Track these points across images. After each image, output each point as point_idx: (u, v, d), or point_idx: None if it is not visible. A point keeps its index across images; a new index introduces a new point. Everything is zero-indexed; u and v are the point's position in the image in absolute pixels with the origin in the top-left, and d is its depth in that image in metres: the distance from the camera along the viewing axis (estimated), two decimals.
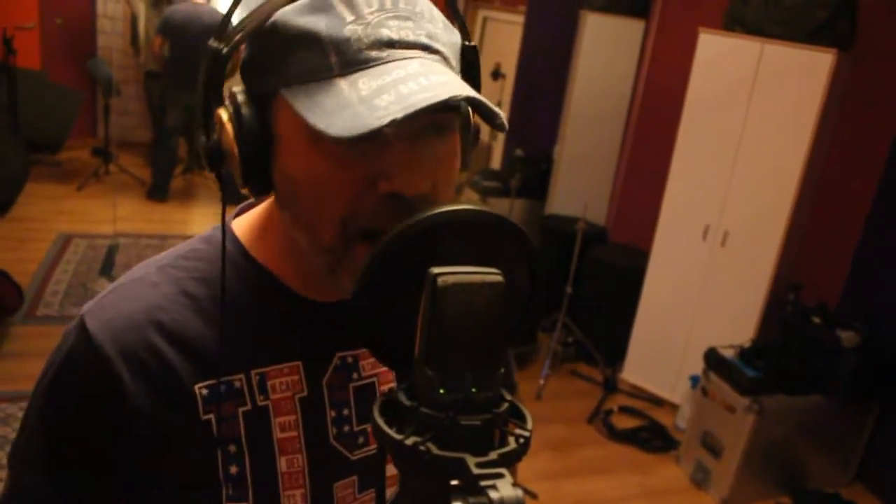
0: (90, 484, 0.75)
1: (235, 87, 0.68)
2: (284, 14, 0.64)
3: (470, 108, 0.73)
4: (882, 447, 3.42)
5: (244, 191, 0.71)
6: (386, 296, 0.58)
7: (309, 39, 0.62)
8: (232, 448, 0.73)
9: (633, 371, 4.10)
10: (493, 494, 0.45)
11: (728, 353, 3.29)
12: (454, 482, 0.48)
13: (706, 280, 3.71)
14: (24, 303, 3.91)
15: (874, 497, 3.42)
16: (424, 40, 0.63)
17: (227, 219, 0.80)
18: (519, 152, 4.78)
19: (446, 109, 0.63)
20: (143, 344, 0.71)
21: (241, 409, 0.74)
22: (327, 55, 0.61)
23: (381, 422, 0.53)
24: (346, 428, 0.79)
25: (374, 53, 0.61)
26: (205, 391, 0.72)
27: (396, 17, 0.62)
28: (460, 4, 7.18)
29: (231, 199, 0.73)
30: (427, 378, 0.50)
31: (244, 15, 0.67)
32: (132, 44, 6.98)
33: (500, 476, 0.47)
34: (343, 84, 0.60)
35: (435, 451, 0.49)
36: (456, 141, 0.69)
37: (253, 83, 0.68)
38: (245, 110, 0.66)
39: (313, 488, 0.78)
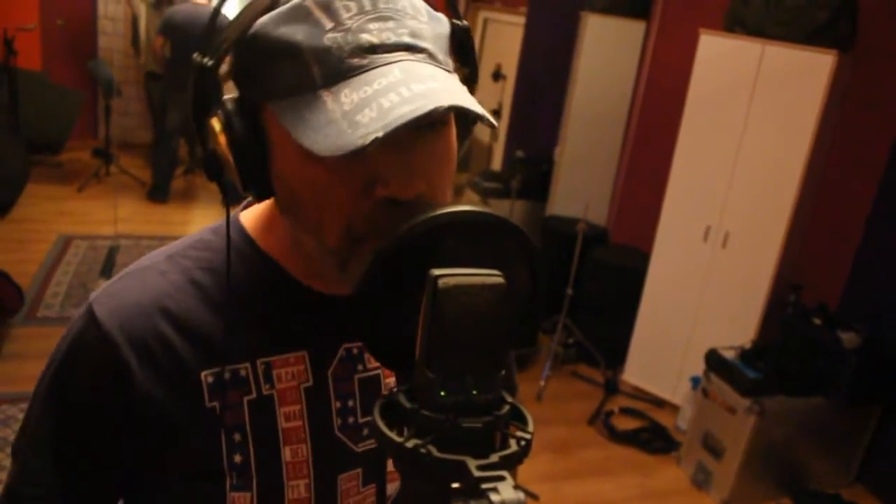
0: (96, 470, 0.75)
1: (228, 95, 0.68)
2: (264, 25, 0.63)
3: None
4: (883, 448, 3.41)
5: (247, 196, 0.71)
6: (387, 297, 0.58)
7: (289, 51, 0.61)
8: (236, 436, 0.73)
9: (634, 372, 4.10)
10: (495, 497, 0.45)
11: (729, 355, 3.29)
12: (455, 485, 0.48)
13: (707, 281, 3.70)
14: (25, 304, 3.90)
15: (875, 498, 3.41)
16: (407, 40, 0.62)
17: (235, 211, 0.80)
18: (519, 153, 4.78)
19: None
20: (150, 331, 0.72)
21: (246, 398, 0.74)
22: (309, 67, 0.60)
23: (381, 424, 0.53)
24: (351, 419, 0.80)
25: (355, 61, 0.60)
26: (210, 379, 0.73)
27: (377, 19, 0.61)
28: (460, 5, 7.18)
29: (233, 203, 0.73)
30: (428, 380, 0.50)
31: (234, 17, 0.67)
32: (133, 45, 6.99)
33: (501, 478, 0.47)
34: (327, 97, 0.60)
35: (436, 453, 0.49)
36: (451, 133, 0.68)
37: (242, 92, 0.68)
38: (236, 120, 0.66)
39: (317, 479, 0.78)
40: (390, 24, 0.62)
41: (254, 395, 0.74)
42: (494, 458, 0.49)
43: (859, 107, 3.45)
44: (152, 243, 5.13)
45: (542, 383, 3.94)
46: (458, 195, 5.26)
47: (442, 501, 0.47)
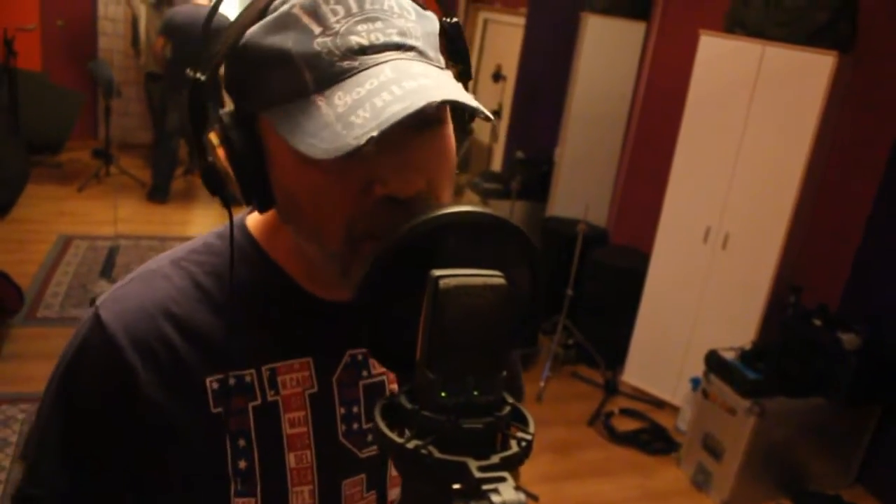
0: (103, 472, 0.75)
1: (225, 108, 0.68)
2: (253, 35, 0.63)
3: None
4: (883, 449, 3.41)
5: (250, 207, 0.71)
6: (388, 298, 0.58)
7: (280, 59, 0.61)
8: (241, 442, 0.74)
9: (634, 373, 4.10)
10: (496, 498, 0.45)
11: (729, 356, 3.28)
12: (456, 486, 0.47)
13: (707, 282, 3.70)
14: (25, 304, 3.90)
15: (875, 499, 3.41)
16: (396, 39, 0.62)
17: (241, 214, 0.81)
18: (520, 154, 4.78)
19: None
20: (155, 335, 0.72)
21: (251, 404, 0.74)
22: (301, 73, 0.61)
23: (382, 425, 0.53)
24: (356, 425, 0.80)
25: (346, 64, 0.60)
26: (215, 385, 0.73)
27: (365, 21, 0.61)
28: (460, 6, 7.19)
29: (237, 208, 0.74)
30: (428, 381, 0.50)
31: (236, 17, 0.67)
32: (133, 45, 6.99)
33: (502, 480, 0.47)
34: (320, 102, 0.60)
35: (436, 454, 0.49)
36: (448, 131, 0.68)
37: (237, 103, 0.68)
38: (233, 132, 0.66)
39: (321, 485, 0.78)
40: (378, 24, 0.62)
41: (259, 401, 0.75)
42: (495, 459, 0.49)
43: (859, 108, 3.45)
44: (152, 244, 5.13)
45: (542, 384, 3.94)
46: (458, 196, 5.26)
47: (443, 502, 0.47)
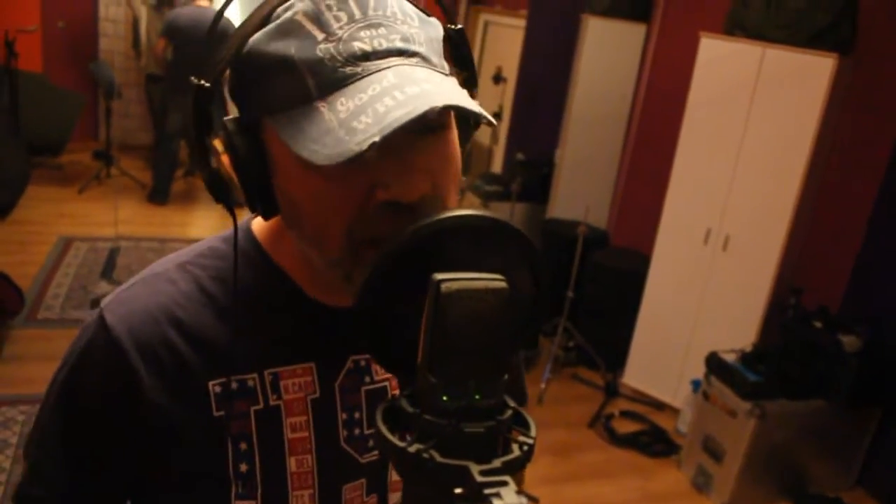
0: (104, 473, 0.76)
1: (229, 115, 0.68)
2: (257, 41, 0.63)
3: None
4: (884, 451, 3.41)
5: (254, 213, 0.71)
6: (389, 302, 0.58)
7: (283, 65, 0.61)
8: (243, 446, 0.74)
9: (635, 375, 4.09)
10: (498, 503, 0.45)
11: (729, 358, 3.28)
12: (458, 490, 0.47)
13: (707, 284, 3.70)
14: (25, 306, 3.90)
15: (876, 501, 3.41)
16: (399, 45, 0.62)
17: (246, 218, 0.81)
18: (520, 156, 4.78)
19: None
20: (159, 339, 0.72)
21: (253, 408, 0.75)
22: (304, 79, 0.61)
23: (384, 429, 0.53)
24: (357, 431, 0.80)
25: (349, 70, 0.60)
26: (218, 388, 0.73)
27: (368, 27, 0.61)
28: (460, 8, 7.19)
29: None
30: (430, 385, 0.50)
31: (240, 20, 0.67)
32: (134, 47, 6.99)
33: (504, 484, 0.47)
34: (323, 108, 0.60)
35: (438, 458, 0.49)
36: (452, 136, 0.68)
37: (241, 110, 0.68)
38: (237, 139, 0.66)
39: (322, 489, 0.78)
40: (381, 30, 0.62)
41: (261, 405, 0.75)
42: (497, 463, 0.49)
43: (860, 110, 3.45)
44: (152, 245, 5.13)
45: (543, 386, 3.94)
46: (459, 197, 5.25)
47: None
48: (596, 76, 4.55)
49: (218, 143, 0.67)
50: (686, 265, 3.76)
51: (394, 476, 0.83)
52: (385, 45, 0.62)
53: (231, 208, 0.71)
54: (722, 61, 3.52)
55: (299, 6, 0.62)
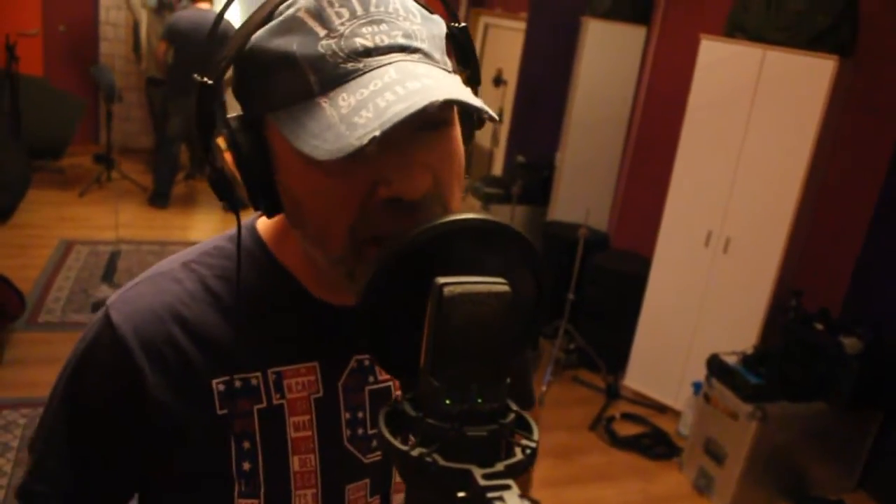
0: (108, 469, 0.77)
1: (232, 113, 0.68)
2: (259, 38, 0.64)
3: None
4: (885, 454, 3.40)
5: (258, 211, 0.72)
6: (391, 305, 0.58)
7: (285, 62, 0.62)
8: (246, 444, 0.74)
9: (636, 378, 4.09)
10: None
11: (731, 360, 3.28)
12: (461, 494, 0.47)
13: (708, 286, 3.70)
14: (26, 309, 3.90)
15: None
16: (401, 41, 0.62)
17: (251, 217, 0.81)
18: (520, 159, 4.78)
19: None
20: (163, 337, 0.73)
21: (256, 407, 0.75)
22: (306, 75, 0.61)
23: (386, 432, 0.53)
24: (360, 431, 0.80)
25: (350, 66, 0.60)
26: (221, 387, 0.74)
27: (370, 23, 0.62)
28: (461, 10, 7.19)
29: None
30: (432, 388, 0.50)
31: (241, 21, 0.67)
32: (134, 51, 7.00)
33: (507, 487, 0.46)
34: (324, 103, 0.60)
35: (441, 462, 0.49)
36: (454, 132, 0.68)
37: (244, 107, 0.68)
38: (240, 137, 0.66)
39: (325, 489, 0.78)
40: (383, 26, 0.62)
41: (264, 404, 0.75)
42: (500, 466, 0.49)
43: (860, 112, 3.45)
44: (153, 248, 5.13)
45: (544, 389, 3.94)
46: (461, 195, 5.26)
47: None
48: (596, 78, 4.56)
49: (221, 142, 0.67)
50: (687, 267, 3.76)
51: (397, 477, 0.83)
52: (387, 41, 0.62)
53: (235, 207, 0.71)
54: (722, 63, 3.52)
55: (301, 3, 0.62)
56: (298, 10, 0.62)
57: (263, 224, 0.81)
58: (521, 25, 6.01)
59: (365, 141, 0.56)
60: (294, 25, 0.62)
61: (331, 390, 0.78)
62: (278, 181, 0.68)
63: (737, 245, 3.57)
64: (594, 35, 4.49)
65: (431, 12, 0.69)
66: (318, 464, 0.78)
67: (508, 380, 0.53)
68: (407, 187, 0.62)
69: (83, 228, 5.37)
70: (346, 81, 0.60)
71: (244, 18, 0.68)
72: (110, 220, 5.62)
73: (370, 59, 0.61)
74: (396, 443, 0.51)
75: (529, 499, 0.46)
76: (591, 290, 4.25)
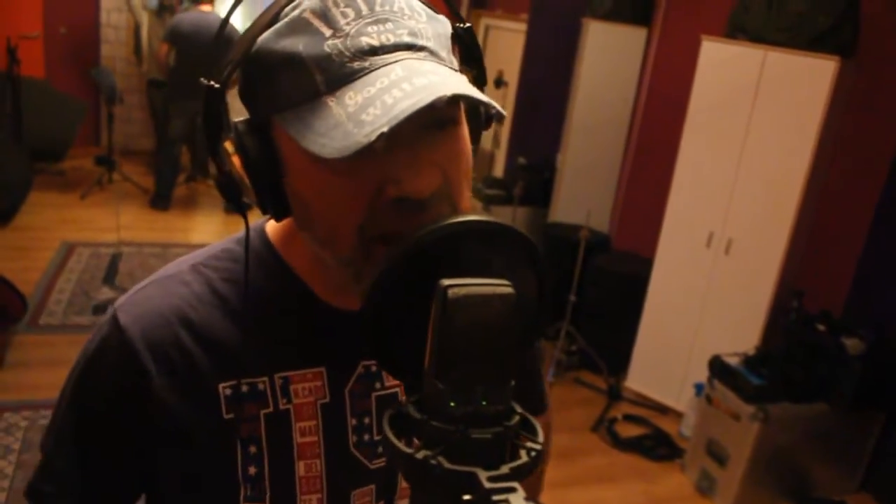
0: (116, 470, 0.77)
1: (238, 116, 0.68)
2: (265, 40, 0.63)
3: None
4: (888, 455, 3.39)
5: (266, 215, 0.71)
6: (395, 307, 0.58)
7: (291, 62, 0.61)
8: (252, 449, 0.75)
9: (637, 379, 4.09)
10: None
11: (733, 361, 3.28)
12: (466, 497, 0.47)
13: (710, 287, 3.70)
14: (28, 311, 3.90)
15: None
16: (407, 39, 0.62)
17: (260, 220, 0.81)
18: (521, 160, 4.78)
19: (447, 104, 0.62)
20: (170, 340, 0.73)
21: (263, 411, 0.75)
22: (312, 75, 0.61)
23: (391, 435, 0.52)
24: (367, 436, 0.80)
25: (357, 65, 0.60)
26: (228, 391, 0.74)
27: (375, 22, 0.61)
28: (462, 11, 7.19)
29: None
30: (437, 391, 0.50)
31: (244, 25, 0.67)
32: (135, 53, 7.01)
33: (512, 490, 0.46)
34: (331, 102, 0.60)
35: (446, 464, 0.49)
36: (462, 131, 0.68)
37: (250, 110, 0.68)
38: (247, 140, 0.66)
39: (330, 494, 0.78)
40: (389, 25, 0.62)
41: (271, 408, 0.75)
42: (505, 469, 0.49)
43: (862, 113, 3.45)
44: (155, 251, 5.13)
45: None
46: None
47: None
48: (597, 80, 4.55)
49: (228, 145, 0.67)
50: (688, 269, 3.76)
51: (404, 483, 0.83)
52: (393, 39, 0.62)
53: (243, 210, 0.71)
54: (723, 64, 3.52)
55: (307, 4, 0.62)
56: (304, 11, 0.62)
57: (272, 227, 0.80)
58: (522, 27, 6.01)
59: (373, 137, 0.55)
60: (300, 26, 0.62)
61: (337, 396, 0.78)
62: (286, 183, 0.67)
63: (738, 246, 3.57)
64: (595, 36, 4.49)
65: (437, 12, 0.69)
66: (323, 469, 0.78)
67: (513, 382, 0.53)
68: (415, 186, 0.62)
69: (84, 230, 5.37)
70: (353, 80, 0.60)
71: (245, 20, 0.68)
72: (111, 222, 5.62)
73: (376, 58, 0.61)
74: (401, 445, 0.51)
75: (535, 501, 0.46)
76: (592, 291, 4.25)
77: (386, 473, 0.81)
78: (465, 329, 0.49)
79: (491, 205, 5.04)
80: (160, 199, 6.01)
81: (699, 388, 3.51)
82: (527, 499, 0.46)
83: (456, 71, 0.67)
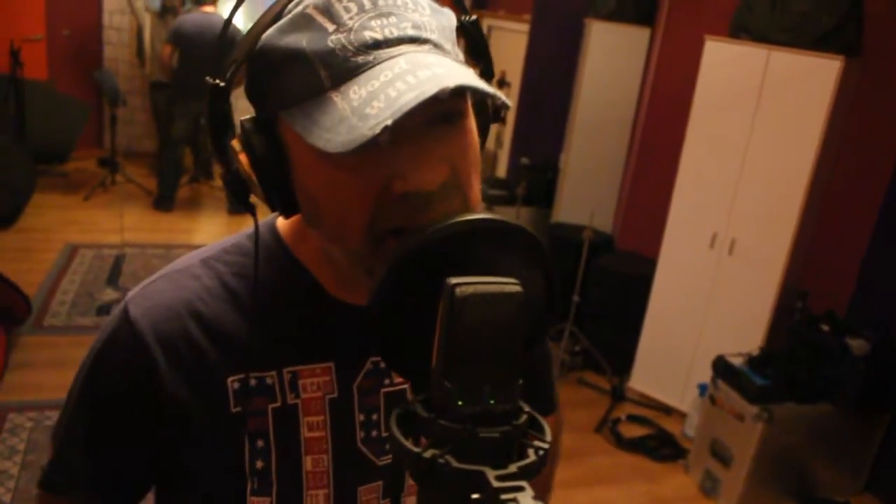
0: (125, 461, 0.78)
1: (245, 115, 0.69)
2: (269, 37, 0.64)
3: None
4: (893, 455, 3.39)
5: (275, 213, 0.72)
6: (402, 306, 0.57)
7: (296, 59, 0.62)
8: (259, 443, 0.75)
9: (641, 379, 4.08)
10: None
11: (736, 361, 3.27)
12: (474, 496, 0.47)
13: (714, 288, 3.69)
14: (32, 313, 3.91)
15: None
16: (411, 32, 0.62)
17: (272, 216, 0.81)
18: (525, 160, 4.77)
19: (452, 96, 0.62)
20: (180, 333, 0.73)
21: (271, 406, 0.75)
22: (316, 71, 0.61)
23: (398, 434, 0.52)
24: (374, 433, 0.80)
25: (360, 59, 0.60)
26: (236, 385, 0.74)
27: (378, 16, 0.61)
28: None
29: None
30: (445, 390, 0.50)
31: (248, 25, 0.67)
32: (138, 55, 7.02)
33: (520, 489, 0.46)
34: (336, 97, 0.60)
35: (454, 463, 0.49)
36: (469, 124, 0.68)
37: (257, 108, 0.69)
38: (254, 138, 0.66)
39: (337, 490, 0.79)
40: (392, 19, 0.62)
41: (279, 403, 0.76)
42: (513, 468, 0.49)
43: (866, 112, 3.45)
44: (158, 252, 5.13)
45: None
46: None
47: None
48: (600, 80, 4.55)
49: (235, 144, 0.67)
50: (692, 269, 3.76)
51: (410, 480, 0.83)
52: (396, 33, 0.61)
53: (251, 209, 0.71)
54: (727, 64, 3.52)
55: (309, 0, 0.62)
56: (307, 7, 0.62)
57: (283, 222, 0.81)
58: (525, 27, 6.00)
59: (377, 130, 0.55)
60: (303, 22, 0.62)
61: (346, 391, 0.79)
62: (294, 180, 0.68)
63: (742, 246, 3.56)
64: (598, 36, 4.49)
65: (441, 5, 0.69)
66: (330, 464, 0.78)
67: (521, 381, 0.52)
68: (421, 180, 0.62)
69: (88, 232, 5.38)
70: (357, 74, 0.60)
71: (248, 21, 0.68)
72: (115, 223, 5.63)
73: (380, 52, 0.61)
74: (408, 444, 0.51)
75: (543, 500, 0.46)
76: (596, 291, 4.25)
77: (393, 470, 0.81)
78: (473, 328, 0.49)
79: (494, 205, 5.03)
80: (163, 201, 6.02)
81: (703, 388, 3.50)
82: (535, 498, 0.46)
83: (461, 62, 0.66)
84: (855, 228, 3.57)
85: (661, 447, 3.62)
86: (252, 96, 0.68)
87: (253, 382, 0.74)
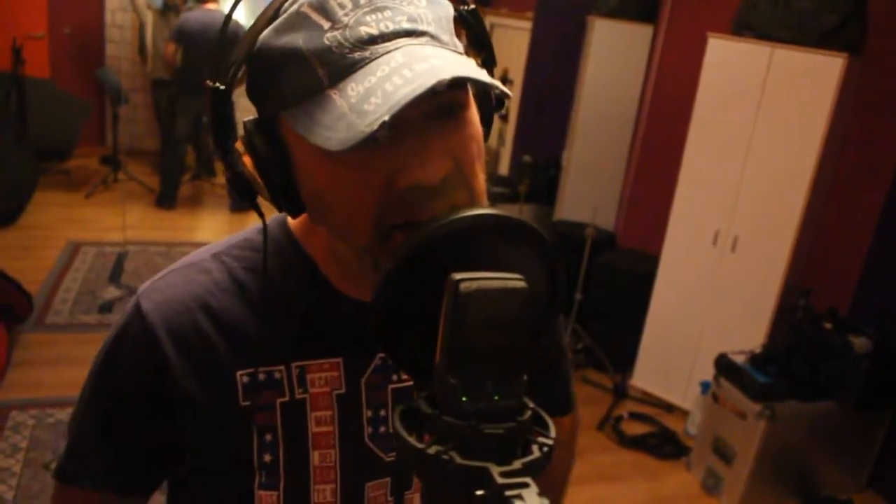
0: (137, 453, 0.79)
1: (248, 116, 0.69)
2: (266, 38, 0.64)
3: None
4: (895, 453, 3.39)
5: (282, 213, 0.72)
6: (406, 302, 0.57)
7: (293, 58, 0.61)
8: (268, 437, 0.76)
9: (643, 377, 4.08)
10: None
11: (739, 359, 3.27)
12: (479, 492, 0.47)
13: (716, 285, 3.69)
14: (34, 311, 3.91)
15: None
16: (406, 26, 0.62)
17: (279, 213, 0.81)
18: (527, 158, 4.77)
19: (451, 88, 0.61)
20: (190, 327, 0.74)
21: (279, 400, 0.76)
22: (314, 69, 0.61)
23: (402, 430, 0.52)
24: (382, 429, 0.80)
25: (357, 55, 0.60)
26: (245, 379, 0.75)
27: (373, 11, 0.61)
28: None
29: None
30: (449, 386, 0.50)
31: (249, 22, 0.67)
32: (140, 53, 7.02)
33: (525, 485, 0.46)
34: (334, 95, 0.60)
35: (458, 460, 0.48)
36: (471, 115, 0.67)
37: (258, 108, 0.69)
38: (257, 139, 0.66)
39: (344, 485, 0.79)
40: (387, 13, 0.62)
41: (287, 397, 0.76)
42: (517, 464, 0.49)
43: (869, 110, 3.44)
44: (160, 249, 5.14)
45: None
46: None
47: None
48: (603, 77, 4.55)
49: (239, 146, 0.68)
50: (695, 266, 3.75)
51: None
52: (392, 27, 0.61)
53: (258, 209, 0.72)
54: (730, 62, 3.51)
55: None
56: (301, 5, 0.62)
57: (293, 218, 0.81)
58: (527, 25, 6.00)
59: (375, 127, 0.55)
60: (298, 21, 0.62)
61: (354, 387, 0.79)
62: (298, 180, 0.68)
63: (744, 244, 3.56)
64: (600, 34, 4.49)
65: None
66: (337, 459, 0.78)
67: (525, 376, 0.52)
68: (424, 173, 0.61)
69: (90, 230, 5.38)
70: (354, 71, 0.60)
71: (250, 17, 0.68)
72: (117, 221, 5.64)
73: (376, 47, 0.60)
74: (413, 441, 0.51)
75: (556, 499, 0.46)
76: (598, 289, 4.24)
77: (396, 467, 0.81)
78: (478, 323, 0.49)
79: (496, 202, 5.03)
80: (165, 199, 6.03)
81: (705, 386, 3.50)
82: (540, 494, 0.46)
83: (460, 53, 0.66)
84: (857, 226, 3.56)
85: (663, 445, 3.62)
86: (253, 97, 0.68)
87: (262, 376, 0.75)
